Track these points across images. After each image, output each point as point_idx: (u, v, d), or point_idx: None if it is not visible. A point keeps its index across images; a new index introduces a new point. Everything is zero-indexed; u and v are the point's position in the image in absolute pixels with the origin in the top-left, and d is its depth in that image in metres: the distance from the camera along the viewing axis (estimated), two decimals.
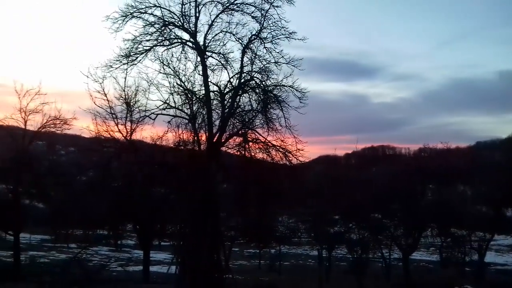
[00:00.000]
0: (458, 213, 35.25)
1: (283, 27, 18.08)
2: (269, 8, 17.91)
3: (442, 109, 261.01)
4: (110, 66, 17.82)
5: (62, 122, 23.82)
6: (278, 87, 18.59)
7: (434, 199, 41.58)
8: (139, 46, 17.85)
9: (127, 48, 17.73)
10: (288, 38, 18.18)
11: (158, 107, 18.66)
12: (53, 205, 39.39)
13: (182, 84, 18.79)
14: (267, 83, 18.80)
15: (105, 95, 18.60)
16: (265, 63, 18.53)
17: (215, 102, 19.00)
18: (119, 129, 18.75)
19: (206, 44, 18.44)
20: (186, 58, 18.65)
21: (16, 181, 25.05)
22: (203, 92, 18.66)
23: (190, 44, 18.52)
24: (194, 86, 18.94)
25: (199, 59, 18.52)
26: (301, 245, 62.82)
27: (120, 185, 25.42)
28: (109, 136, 19.48)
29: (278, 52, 18.32)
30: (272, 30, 18.18)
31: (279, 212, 41.76)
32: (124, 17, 17.39)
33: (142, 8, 17.51)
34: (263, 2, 17.92)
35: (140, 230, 28.10)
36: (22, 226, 28.63)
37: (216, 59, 18.98)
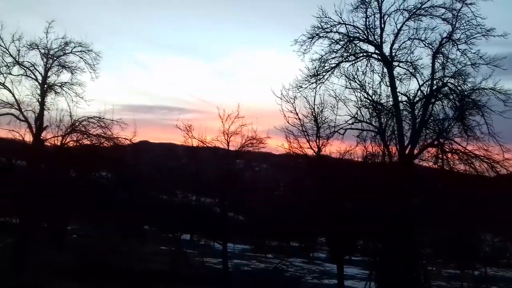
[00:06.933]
0: None
1: (478, 25, 16.59)
2: (461, 7, 16.65)
3: None
4: (300, 86, 18.98)
5: (258, 142, 26.10)
6: (477, 91, 16.95)
7: None
8: (326, 64, 18.50)
9: (314, 67, 18.61)
10: (486, 36, 16.55)
11: (346, 122, 18.92)
12: (252, 217, 43.17)
13: (369, 97, 18.71)
14: (463, 87, 17.39)
15: (297, 114, 19.65)
16: (459, 66, 17.24)
17: (404, 112, 18.31)
18: (310, 146, 19.53)
19: (393, 54, 18.01)
20: (372, 71, 18.59)
21: (223, 195, 28.17)
22: (391, 103, 18.20)
23: (376, 56, 18.34)
24: (381, 98, 18.71)
25: (385, 70, 18.17)
26: None
27: (311, 199, 26.28)
28: (300, 152, 20.44)
29: (474, 53, 16.86)
30: (466, 30, 16.84)
31: (483, 229, 37.46)
32: (311, 39, 18.26)
33: (328, 28, 18.10)
34: (454, 1, 16.73)
35: (332, 243, 28.44)
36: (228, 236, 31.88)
37: (404, 68, 18.42)
